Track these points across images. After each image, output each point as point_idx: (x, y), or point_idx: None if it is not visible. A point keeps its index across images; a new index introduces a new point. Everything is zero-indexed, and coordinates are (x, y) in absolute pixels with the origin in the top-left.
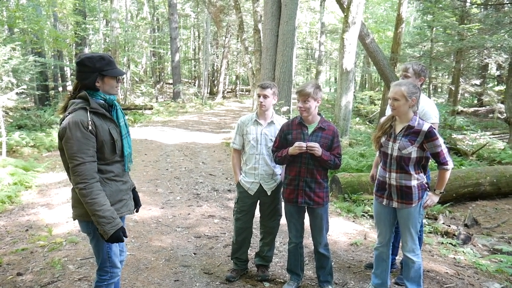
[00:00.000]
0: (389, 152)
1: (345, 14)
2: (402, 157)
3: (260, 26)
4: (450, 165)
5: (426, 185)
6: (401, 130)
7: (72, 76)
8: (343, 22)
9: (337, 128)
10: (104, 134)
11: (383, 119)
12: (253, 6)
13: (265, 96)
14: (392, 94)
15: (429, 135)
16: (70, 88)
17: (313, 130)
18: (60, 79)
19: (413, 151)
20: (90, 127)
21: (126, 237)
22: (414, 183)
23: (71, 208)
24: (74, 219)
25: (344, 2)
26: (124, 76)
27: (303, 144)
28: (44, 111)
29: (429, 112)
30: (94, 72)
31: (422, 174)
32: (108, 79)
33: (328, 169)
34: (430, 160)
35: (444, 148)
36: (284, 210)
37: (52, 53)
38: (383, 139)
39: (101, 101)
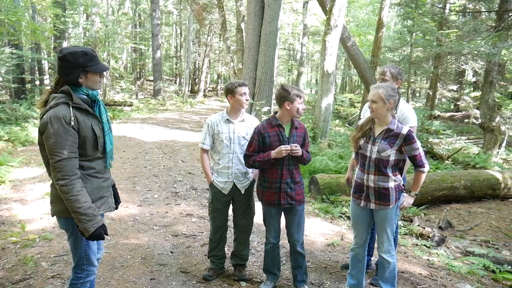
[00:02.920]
0: (368, 154)
1: (328, 16)
2: (381, 159)
3: (243, 25)
4: (427, 167)
5: (403, 187)
6: (380, 133)
7: (50, 70)
8: (325, 24)
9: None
10: (87, 130)
11: (362, 120)
12: (236, 5)
13: (245, 94)
14: (371, 97)
15: (408, 138)
16: (47, 82)
17: (289, 130)
18: (37, 72)
19: (392, 153)
20: (72, 123)
21: (107, 235)
22: (391, 184)
23: (50, 204)
24: (53, 215)
25: (327, 5)
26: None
27: (289, 147)
28: (20, 105)
29: (408, 116)
30: (77, 68)
31: (399, 176)
32: (91, 75)
33: None
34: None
35: (421, 151)
36: (263, 212)
37: (30, 46)
38: (362, 141)
39: (84, 96)
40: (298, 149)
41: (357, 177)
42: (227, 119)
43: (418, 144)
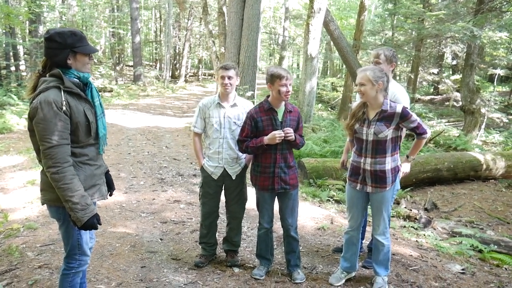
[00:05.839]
0: (364, 138)
1: (311, 0)
2: (378, 141)
3: (224, 8)
4: (429, 133)
5: (399, 167)
6: (375, 116)
7: (25, 56)
8: (308, 8)
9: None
10: (79, 116)
11: (354, 106)
12: None
13: (229, 77)
14: (359, 80)
15: (404, 115)
16: (23, 67)
17: (282, 114)
18: (12, 58)
19: (389, 133)
20: (64, 108)
21: (100, 224)
22: (388, 167)
23: (40, 191)
24: (43, 204)
25: None
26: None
27: (283, 133)
28: None
29: (399, 97)
30: (65, 48)
31: (396, 156)
32: (80, 56)
33: None
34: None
35: (419, 120)
36: (256, 197)
37: (4, 31)
38: (356, 126)
39: (76, 79)
40: (291, 134)
41: (353, 160)
42: (218, 103)
43: (415, 115)
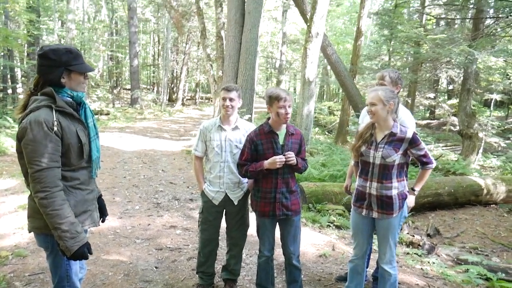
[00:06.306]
0: (371, 161)
1: (308, 24)
2: (386, 165)
3: (223, 33)
4: (434, 163)
5: (406, 194)
6: (383, 138)
7: (23, 78)
8: (306, 32)
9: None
10: (71, 137)
11: (360, 127)
12: (216, 12)
13: (231, 99)
14: (369, 100)
15: (413, 141)
16: (20, 90)
17: (284, 138)
18: (10, 80)
19: (396, 158)
20: (55, 128)
21: (91, 253)
22: (394, 192)
23: (27, 218)
24: (30, 231)
25: (307, 13)
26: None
27: (283, 158)
28: None
29: (405, 121)
30: (60, 66)
31: (403, 182)
32: (75, 75)
33: None
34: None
35: (426, 149)
36: (257, 223)
37: (2, 53)
38: (363, 148)
39: (68, 98)
40: (292, 158)
41: (358, 185)
42: (219, 125)
43: (423, 144)
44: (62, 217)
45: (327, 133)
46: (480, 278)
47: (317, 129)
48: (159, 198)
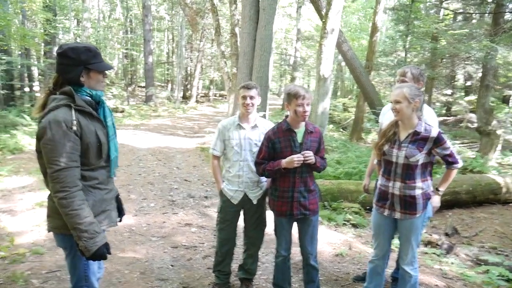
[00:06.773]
0: (394, 160)
1: (324, 21)
2: (409, 165)
3: (237, 30)
4: (460, 163)
5: (430, 194)
6: (407, 137)
7: (40, 77)
8: (321, 29)
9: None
10: (90, 136)
11: (384, 125)
12: (231, 9)
13: (251, 97)
14: (394, 97)
15: (439, 141)
16: (37, 88)
17: (302, 136)
18: (27, 79)
19: (420, 158)
20: (74, 128)
21: (110, 254)
22: (418, 192)
23: (46, 218)
24: (49, 231)
25: (323, 9)
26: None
27: (302, 157)
28: (9, 112)
29: (428, 119)
30: (79, 65)
31: (427, 182)
32: (94, 73)
33: None
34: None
35: (452, 148)
36: (274, 222)
37: (19, 52)
38: (386, 147)
39: (88, 97)
40: (311, 157)
41: (380, 185)
42: (238, 124)
43: (449, 142)
44: (81, 217)
45: (341, 130)
46: (502, 279)
47: (331, 126)
48: (174, 195)
